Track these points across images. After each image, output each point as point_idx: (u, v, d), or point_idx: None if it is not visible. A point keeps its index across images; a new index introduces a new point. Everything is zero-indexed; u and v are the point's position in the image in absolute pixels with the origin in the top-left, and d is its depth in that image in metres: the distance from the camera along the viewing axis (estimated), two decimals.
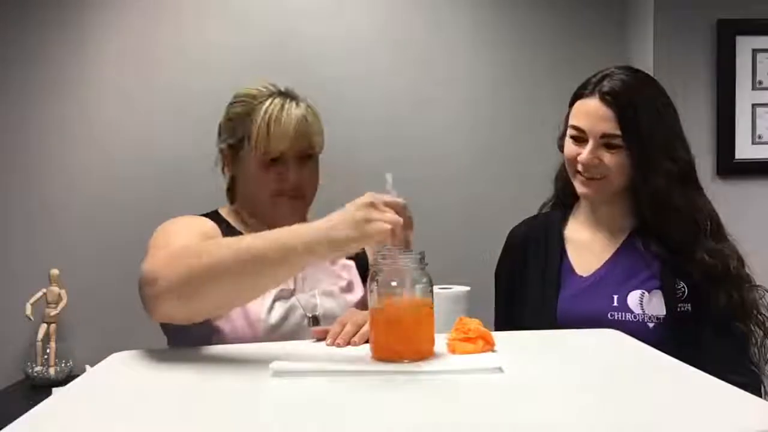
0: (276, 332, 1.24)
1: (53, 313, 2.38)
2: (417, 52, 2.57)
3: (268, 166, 1.31)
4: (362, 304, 1.32)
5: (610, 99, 1.31)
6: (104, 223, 2.46)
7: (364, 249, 1.44)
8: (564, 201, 1.51)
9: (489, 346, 1.03)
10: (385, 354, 0.99)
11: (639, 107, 1.31)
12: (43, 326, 2.38)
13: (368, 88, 2.55)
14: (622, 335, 1.15)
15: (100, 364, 1.07)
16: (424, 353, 0.99)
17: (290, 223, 1.21)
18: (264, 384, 0.91)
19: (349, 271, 1.40)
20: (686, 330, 1.31)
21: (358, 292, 1.38)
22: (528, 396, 0.85)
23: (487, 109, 2.58)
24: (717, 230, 1.36)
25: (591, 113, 1.33)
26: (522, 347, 1.07)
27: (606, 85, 1.32)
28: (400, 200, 0.99)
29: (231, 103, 1.37)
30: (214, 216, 1.37)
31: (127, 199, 2.46)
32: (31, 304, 2.37)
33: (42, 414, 0.82)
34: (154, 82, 2.50)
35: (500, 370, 0.93)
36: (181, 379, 0.97)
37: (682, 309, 1.32)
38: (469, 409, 0.80)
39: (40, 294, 2.39)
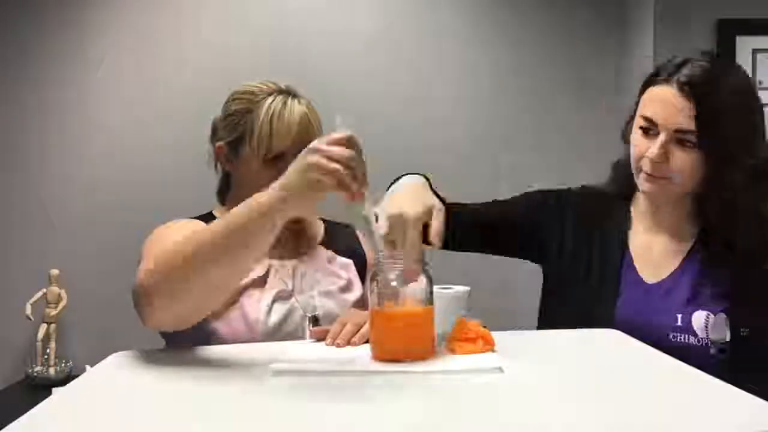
0: (275, 334, 1.24)
1: (53, 313, 2.38)
2: (416, 52, 2.58)
3: (269, 164, 1.29)
4: (361, 303, 1.32)
5: (688, 90, 1.15)
6: (104, 224, 2.46)
7: (362, 248, 1.44)
8: (623, 192, 1.35)
9: (489, 346, 1.03)
10: (385, 354, 0.99)
11: (720, 102, 1.16)
12: (43, 326, 2.38)
13: (367, 87, 2.55)
14: (622, 335, 1.15)
15: (100, 364, 1.06)
16: (424, 353, 0.99)
17: (286, 223, 1.22)
18: (264, 384, 0.91)
19: (347, 269, 1.40)
20: (751, 356, 1.18)
21: (356, 291, 1.37)
22: (528, 396, 0.85)
23: (486, 109, 2.58)
24: None
25: (667, 105, 1.17)
26: (522, 347, 1.07)
27: (684, 73, 1.17)
28: (344, 133, 0.98)
29: (230, 100, 1.35)
30: (208, 217, 1.36)
31: (127, 198, 2.46)
32: (31, 304, 2.37)
33: (42, 414, 0.82)
34: (154, 82, 2.50)
35: (500, 370, 0.93)
36: (180, 380, 0.97)
37: (744, 333, 1.18)
38: (469, 409, 0.80)
39: (40, 294, 2.39)
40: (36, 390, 2.26)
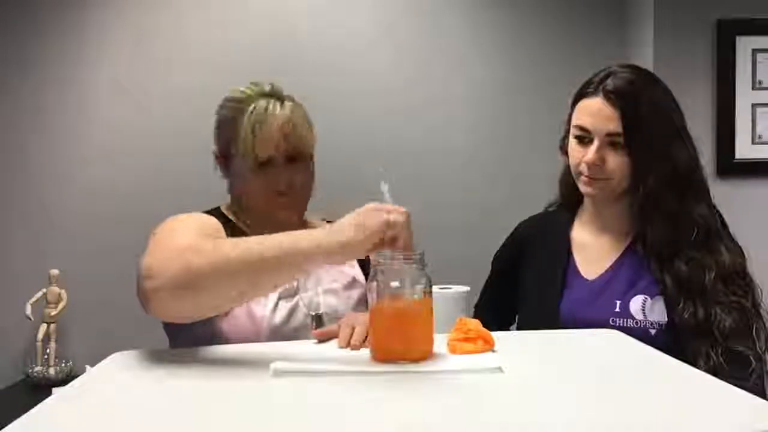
0: (279, 332, 1.24)
1: (53, 313, 2.38)
2: (416, 52, 2.58)
3: (258, 171, 1.29)
4: (365, 300, 1.32)
5: (614, 98, 1.29)
6: (104, 224, 2.46)
7: None
8: (570, 204, 1.50)
9: (488, 346, 1.03)
10: (385, 354, 0.99)
11: (642, 106, 1.29)
12: (43, 326, 2.38)
13: (368, 85, 2.55)
14: (622, 335, 1.15)
15: (100, 364, 1.07)
16: (424, 353, 0.99)
17: (287, 225, 1.21)
18: (264, 384, 0.91)
19: (351, 266, 1.40)
20: (688, 336, 1.26)
21: (360, 288, 1.38)
22: (528, 396, 0.85)
23: (486, 109, 2.58)
24: (706, 239, 1.31)
25: (595, 113, 1.31)
26: (521, 347, 1.07)
27: (610, 84, 1.30)
28: (401, 208, 1.00)
29: (219, 107, 1.36)
30: (216, 213, 1.36)
31: (128, 199, 2.46)
32: (31, 304, 2.37)
33: (42, 414, 0.82)
34: (155, 82, 2.50)
35: (500, 370, 0.93)
36: (181, 380, 0.97)
37: (683, 315, 1.27)
38: (469, 409, 0.80)
39: (40, 294, 2.39)
40: (36, 390, 2.26)
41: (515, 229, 1.55)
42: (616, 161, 1.30)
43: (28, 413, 0.81)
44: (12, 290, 2.42)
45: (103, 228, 2.46)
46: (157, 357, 1.07)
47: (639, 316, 1.30)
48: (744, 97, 2.37)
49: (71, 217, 2.49)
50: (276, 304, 1.25)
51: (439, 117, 2.57)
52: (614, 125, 1.28)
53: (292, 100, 1.35)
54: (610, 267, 1.38)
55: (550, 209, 1.55)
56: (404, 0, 2.60)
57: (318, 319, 1.29)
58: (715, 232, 1.32)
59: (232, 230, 1.32)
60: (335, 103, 2.47)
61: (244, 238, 1.04)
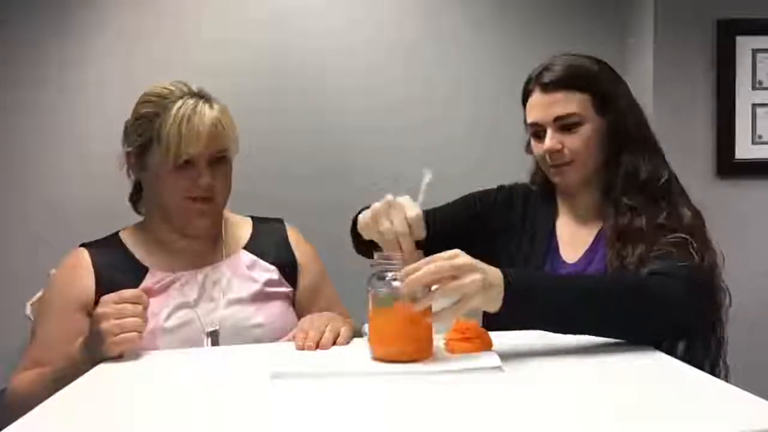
0: (175, 336, 1.22)
1: None
2: (416, 53, 2.57)
3: (178, 170, 1.23)
4: (287, 304, 1.33)
5: (551, 86, 1.35)
6: (104, 224, 2.45)
7: (291, 247, 1.41)
8: (548, 193, 1.51)
9: (487, 345, 1.04)
10: (384, 354, 0.99)
11: (580, 80, 1.36)
12: None
13: (367, 86, 2.55)
14: None
15: (100, 364, 1.07)
16: (424, 353, 0.99)
17: (202, 228, 1.26)
18: (264, 385, 0.91)
19: (270, 272, 1.36)
20: None
21: (278, 293, 1.34)
22: (528, 396, 0.85)
23: (486, 109, 2.58)
24: (663, 194, 1.33)
25: (539, 105, 1.38)
26: (521, 347, 1.07)
27: (545, 75, 1.37)
28: (135, 292, 1.11)
29: (139, 103, 1.30)
30: (112, 241, 1.37)
31: (123, 199, 2.45)
32: (31, 304, 2.36)
33: (42, 414, 0.82)
34: (155, 82, 2.50)
35: (500, 369, 0.93)
36: (181, 380, 0.97)
37: None
38: (469, 409, 0.80)
39: (40, 294, 2.38)
40: None
41: (511, 185, 1.57)
42: (572, 141, 1.35)
43: (28, 413, 0.81)
44: (12, 290, 2.42)
45: (103, 228, 2.46)
46: (157, 358, 1.08)
47: None
48: (744, 97, 2.37)
49: (71, 217, 2.48)
50: (170, 315, 1.24)
51: (439, 116, 2.57)
52: (559, 109, 1.34)
53: (219, 103, 1.30)
54: (587, 251, 1.39)
55: (534, 187, 1.54)
56: (406, 2, 2.59)
57: (213, 336, 1.25)
58: (676, 189, 1.35)
59: (125, 262, 1.30)
60: (335, 103, 2.47)
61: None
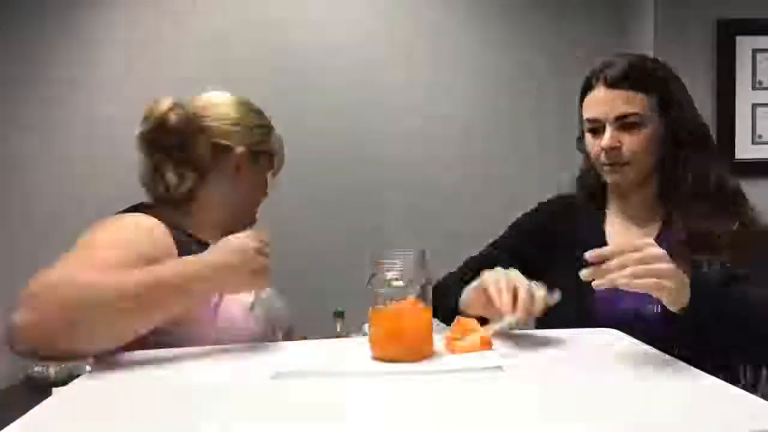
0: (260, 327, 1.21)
1: None
2: (415, 53, 2.58)
3: (265, 183, 1.40)
4: None
5: (616, 82, 1.32)
6: None
7: None
8: (594, 199, 1.47)
9: (487, 345, 1.04)
10: (385, 354, 0.99)
11: (646, 80, 1.32)
12: None
13: (366, 86, 2.55)
14: (621, 335, 1.15)
15: (100, 364, 1.07)
16: (424, 353, 0.99)
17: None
18: (264, 384, 0.91)
19: None
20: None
21: None
22: (528, 395, 0.85)
23: (487, 109, 2.58)
24: (727, 198, 1.34)
25: (601, 101, 1.33)
26: (520, 346, 1.07)
27: (609, 72, 1.33)
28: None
29: (255, 112, 1.38)
30: (141, 208, 1.33)
31: (128, 199, 2.45)
32: None
33: (42, 414, 0.82)
34: (156, 82, 2.50)
35: (500, 368, 0.93)
36: (181, 379, 0.97)
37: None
38: (469, 409, 0.80)
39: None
40: (36, 390, 2.26)
41: (541, 203, 1.52)
42: (632, 141, 1.32)
43: (28, 413, 0.81)
44: (12, 290, 2.42)
45: None
46: (157, 357, 1.07)
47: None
48: (744, 97, 2.37)
49: (71, 217, 2.48)
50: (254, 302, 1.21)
51: (438, 116, 2.57)
52: (623, 107, 1.31)
53: None
54: None
55: (569, 200, 1.50)
56: (405, 1, 2.60)
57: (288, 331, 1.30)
58: (739, 193, 1.36)
59: (183, 242, 1.23)
60: (334, 102, 2.47)
61: (128, 274, 1.00)
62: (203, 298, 1.10)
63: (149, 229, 1.20)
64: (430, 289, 1.01)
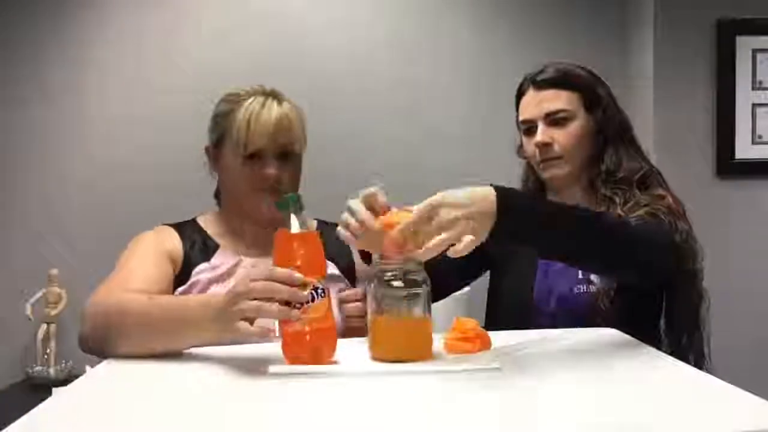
0: None
1: (53, 313, 2.38)
2: (415, 54, 2.58)
3: (247, 162, 1.31)
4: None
5: (545, 84, 1.41)
6: (104, 223, 2.46)
7: (349, 250, 1.41)
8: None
9: (486, 345, 1.04)
10: (384, 354, 0.99)
11: (574, 78, 1.42)
12: (43, 326, 2.38)
13: (366, 85, 2.55)
14: (620, 334, 1.15)
15: (100, 364, 1.07)
16: (423, 353, 0.99)
17: (269, 215, 1.26)
18: (263, 384, 0.91)
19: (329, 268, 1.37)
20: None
21: (337, 284, 1.36)
22: (527, 395, 0.85)
23: (486, 109, 2.58)
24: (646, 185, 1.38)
25: (532, 103, 1.42)
26: (519, 346, 1.08)
27: (538, 76, 1.43)
28: (288, 272, 0.98)
29: (217, 102, 1.39)
30: (191, 225, 1.39)
31: (128, 199, 2.45)
32: (31, 304, 2.37)
33: (42, 414, 0.82)
34: (155, 82, 2.50)
35: (499, 369, 0.93)
36: (180, 380, 0.97)
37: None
38: (468, 409, 0.80)
39: (40, 294, 2.38)
40: (36, 390, 2.25)
41: None
42: (562, 135, 1.39)
43: (28, 413, 0.81)
44: (12, 290, 2.42)
45: (103, 228, 2.46)
46: (157, 357, 1.08)
47: (599, 282, 1.33)
48: (744, 97, 2.37)
49: (71, 217, 2.49)
50: None
51: (439, 117, 2.57)
52: (551, 105, 1.40)
53: (290, 102, 1.37)
54: None
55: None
56: (406, 1, 2.60)
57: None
58: (655, 181, 1.40)
59: (204, 242, 1.36)
60: (334, 103, 2.48)
61: (152, 302, 1.12)
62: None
63: (157, 231, 1.38)
64: (429, 289, 1.01)
